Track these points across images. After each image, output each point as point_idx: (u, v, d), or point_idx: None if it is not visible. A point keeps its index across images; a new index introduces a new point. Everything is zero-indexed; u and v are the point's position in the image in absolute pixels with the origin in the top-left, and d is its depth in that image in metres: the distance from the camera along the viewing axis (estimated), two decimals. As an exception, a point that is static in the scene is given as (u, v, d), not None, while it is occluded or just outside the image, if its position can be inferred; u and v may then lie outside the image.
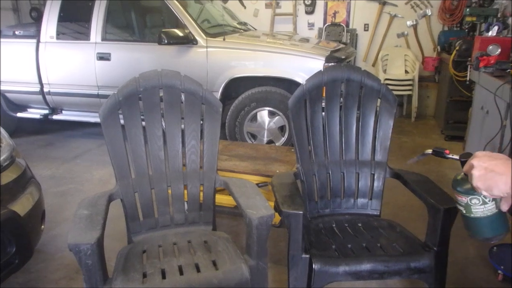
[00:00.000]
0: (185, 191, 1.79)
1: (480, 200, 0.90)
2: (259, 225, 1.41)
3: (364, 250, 1.60)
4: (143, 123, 1.70)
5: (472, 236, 0.98)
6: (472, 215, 0.92)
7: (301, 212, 1.45)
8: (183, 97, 1.73)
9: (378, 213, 1.90)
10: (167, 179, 1.75)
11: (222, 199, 2.41)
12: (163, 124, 1.73)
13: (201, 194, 1.79)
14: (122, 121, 1.67)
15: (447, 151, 1.16)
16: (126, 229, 1.72)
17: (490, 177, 0.82)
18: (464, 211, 0.94)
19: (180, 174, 1.77)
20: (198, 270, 1.44)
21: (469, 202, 0.92)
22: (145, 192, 1.72)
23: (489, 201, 0.90)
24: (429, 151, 1.26)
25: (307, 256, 1.51)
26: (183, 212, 1.79)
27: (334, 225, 1.80)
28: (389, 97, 1.87)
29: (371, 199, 1.90)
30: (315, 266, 1.48)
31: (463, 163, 0.98)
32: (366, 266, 1.50)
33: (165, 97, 1.72)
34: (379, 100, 1.87)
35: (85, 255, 1.23)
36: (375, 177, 1.88)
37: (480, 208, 0.91)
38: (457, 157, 1.06)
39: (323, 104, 1.87)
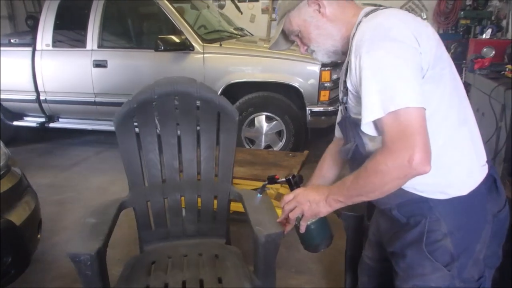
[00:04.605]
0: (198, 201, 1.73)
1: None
2: (266, 243, 1.30)
3: None
4: (158, 130, 1.65)
5: (307, 247, 1.19)
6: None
7: (362, 214, 1.48)
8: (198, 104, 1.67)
9: None
10: (180, 188, 1.70)
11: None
12: (178, 132, 1.68)
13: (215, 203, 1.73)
14: (136, 129, 1.62)
15: (277, 176, 1.31)
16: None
17: (314, 207, 1.06)
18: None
19: (194, 184, 1.71)
20: (201, 286, 1.39)
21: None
22: (157, 201, 1.66)
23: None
24: (265, 183, 1.38)
25: None
26: (196, 223, 1.72)
27: None
28: None
29: None
30: None
31: (288, 181, 1.22)
32: None
33: (180, 105, 1.66)
34: None
35: (84, 265, 1.20)
36: None
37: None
38: (284, 179, 1.24)
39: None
